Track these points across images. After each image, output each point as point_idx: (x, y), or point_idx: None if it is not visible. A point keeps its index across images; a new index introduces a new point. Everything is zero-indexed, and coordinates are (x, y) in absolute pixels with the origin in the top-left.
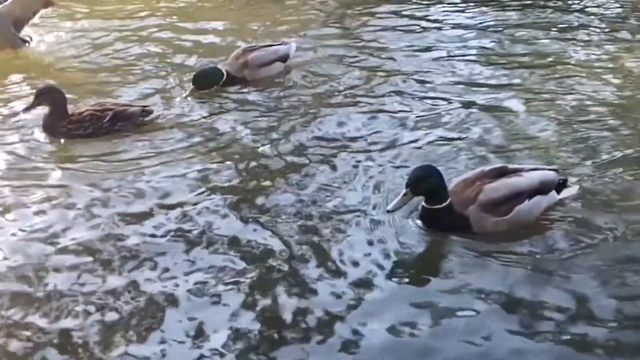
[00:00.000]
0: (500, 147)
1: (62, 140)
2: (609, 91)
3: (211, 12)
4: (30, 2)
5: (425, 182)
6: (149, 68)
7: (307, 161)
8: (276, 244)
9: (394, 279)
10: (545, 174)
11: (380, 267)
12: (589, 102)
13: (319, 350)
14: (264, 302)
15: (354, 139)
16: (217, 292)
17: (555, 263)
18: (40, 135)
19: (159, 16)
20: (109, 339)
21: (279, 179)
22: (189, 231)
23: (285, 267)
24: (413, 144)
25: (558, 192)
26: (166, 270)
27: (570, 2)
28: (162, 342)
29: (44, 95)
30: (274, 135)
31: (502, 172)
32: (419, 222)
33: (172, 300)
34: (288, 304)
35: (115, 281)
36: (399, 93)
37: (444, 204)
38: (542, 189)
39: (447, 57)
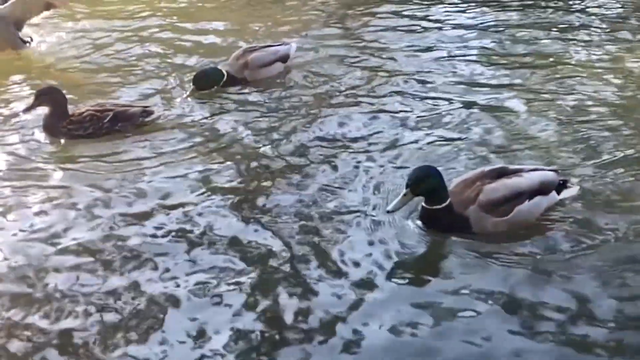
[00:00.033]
0: (501, 147)
1: (63, 141)
2: (609, 91)
3: (212, 12)
4: (31, 5)
5: (425, 183)
6: (149, 68)
7: (308, 161)
8: (277, 245)
9: (394, 280)
10: (545, 175)
11: (381, 267)
12: (589, 103)
13: (321, 350)
14: (265, 302)
15: (354, 139)
16: (218, 292)
17: (556, 263)
18: (40, 135)
19: (160, 16)
20: (110, 340)
21: (279, 180)
22: (190, 232)
23: (286, 268)
24: (414, 144)
25: (558, 193)
26: (167, 270)
27: (571, 2)
28: (163, 342)
29: (44, 96)
30: (275, 136)
31: (502, 173)
32: (419, 222)
33: (173, 301)
34: (289, 304)
35: (116, 282)
36: (400, 93)
37: (444, 205)
38: (542, 189)
39: (448, 57)
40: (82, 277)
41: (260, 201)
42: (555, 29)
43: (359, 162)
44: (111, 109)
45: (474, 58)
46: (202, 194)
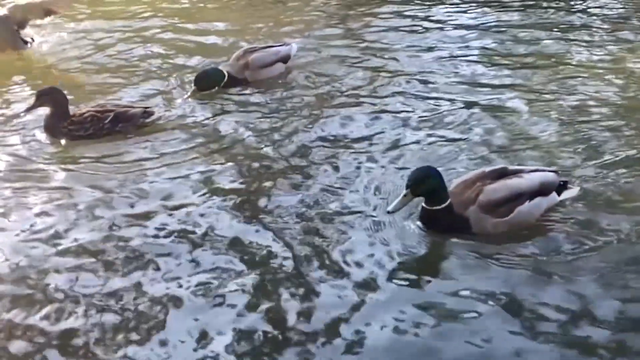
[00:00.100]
0: (503, 147)
1: (63, 141)
2: (611, 92)
3: (213, 13)
4: (30, 10)
5: (425, 183)
6: (150, 69)
7: (310, 162)
8: (278, 245)
9: (395, 281)
10: (545, 176)
11: (382, 268)
12: (591, 103)
13: (322, 351)
14: (267, 303)
15: (356, 140)
16: (220, 293)
17: (557, 264)
18: (41, 136)
19: (161, 17)
20: (111, 341)
21: (281, 180)
22: (192, 232)
23: (288, 268)
24: (415, 145)
25: (559, 194)
26: (169, 271)
27: (572, 2)
28: (165, 343)
29: (45, 96)
30: (276, 137)
31: (502, 173)
32: (419, 223)
33: (175, 302)
34: (291, 305)
35: (117, 282)
36: (401, 93)
37: (444, 205)
38: (542, 190)
39: (449, 57)
40: (83, 277)
41: (262, 202)
42: (556, 29)
43: (360, 162)
44: (112, 109)
45: (475, 58)
46: (204, 194)
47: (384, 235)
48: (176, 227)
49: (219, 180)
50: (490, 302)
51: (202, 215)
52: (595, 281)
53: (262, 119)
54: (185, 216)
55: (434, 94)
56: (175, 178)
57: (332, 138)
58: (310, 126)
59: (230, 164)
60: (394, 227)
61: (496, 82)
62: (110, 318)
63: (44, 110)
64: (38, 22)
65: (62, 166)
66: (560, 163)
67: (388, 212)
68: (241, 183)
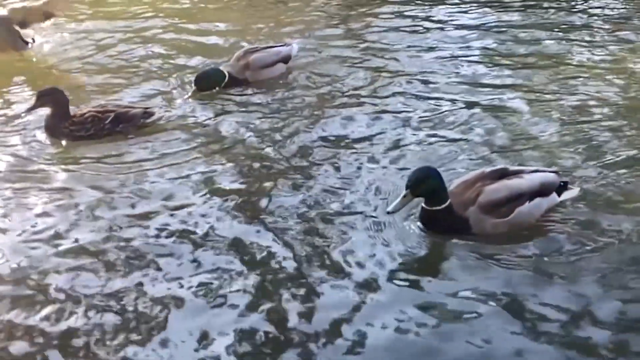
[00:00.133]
0: (504, 147)
1: (64, 142)
2: (612, 92)
3: (214, 13)
4: (30, 13)
5: (425, 184)
6: (151, 69)
7: (311, 163)
8: (280, 246)
9: (396, 281)
10: (545, 176)
11: (383, 269)
12: (592, 103)
13: (324, 351)
14: (268, 303)
15: (357, 140)
16: (221, 293)
17: (558, 265)
18: (42, 136)
19: (162, 17)
20: (113, 341)
21: (282, 181)
22: (193, 233)
23: (289, 269)
24: (416, 145)
25: (559, 194)
26: (170, 271)
27: (573, 2)
28: (167, 344)
29: (45, 97)
30: (277, 137)
31: (502, 174)
32: (419, 223)
33: (177, 302)
34: (292, 305)
35: (118, 283)
36: (402, 94)
37: (444, 205)
38: (542, 191)
39: (450, 57)
40: (84, 278)
41: (263, 202)
42: (557, 30)
43: (361, 163)
44: (113, 110)
45: (476, 58)
46: (205, 195)
47: (384, 236)
48: (177, 227)
49: (219, 180)
50: (491, 303)
51: (203, 215)
52: (596, 282)
53: (262, 120)
54: (186, 217)
55: (434, 94)
56: (176, 178)
57: (333, 138)
58: (311, 126)
59: (231, 164)
60: (395, 228)
61: (497, 82)
62: (111, 318)
63: (45, 111)
64: (41, 25)
65: (63, 166)
66: (561, 163)
67: (388, 213)
68: (242, 183)
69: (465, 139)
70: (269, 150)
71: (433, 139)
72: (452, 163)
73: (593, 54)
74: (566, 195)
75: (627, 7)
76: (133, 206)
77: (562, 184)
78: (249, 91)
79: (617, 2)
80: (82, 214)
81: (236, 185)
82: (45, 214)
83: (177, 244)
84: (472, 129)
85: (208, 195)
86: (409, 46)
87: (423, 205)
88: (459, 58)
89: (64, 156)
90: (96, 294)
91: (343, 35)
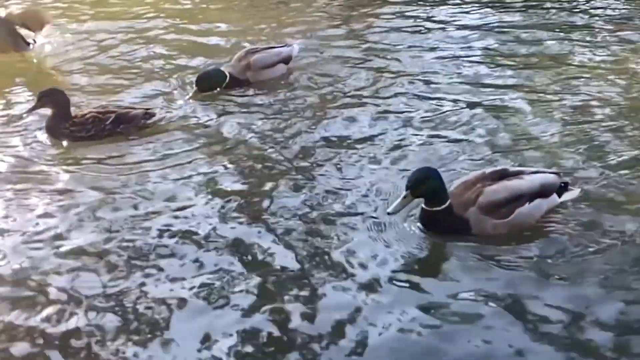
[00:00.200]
0: (506, 148)
1: (65, 143)
2: (614, 92)
3: (216, 13)
4: (28, 20)
5: (425, 184)
6: (153, 70)
7: (312, 163)
8: (281, 247)
9: (397, 282)
10: (546, 177)
11: (385, 270)
12: (594, 103)
13: (326, 352)
14: (270, 304)
15: (359, 141)
16: (223, 294)
17: (559, 266)
18: (43, 137)
19: (164, 18)
20: (115, 342)
21: (284, 182)
22: (195, 234)
23: (291, 270)
24: (418, 146)
25: (559, 195)
26: (172, 272)
27: (574, 2)
28: (169, 345)
29: (46, 97)
30: (279, 138)
31: (503, 175)
32: (419, 224)
33: (179, 303)
34: (294, 306)
35: (120, 284)
36: (404, 94)
37: (444, 206)
38: (543, 192)
39: (452, 58)
40: (85, 279)
41: (265, 203)
42: (559, 30)
43: (363, 163)
44: (113, 110)
45: (478, 59)
46: (207, 196)
47: (385, 237)
48: (179, 228)
49: (221, 181)
50: (492, 304)
51: (205, 216)
52: (597, 283)
53: (264, 120)
54: (188, 217)
55: (436, 95)
56: (177, 179)
57: (334, 139)
58: (313, 127)
59: (232, 165)
60: (396, 228)
61: (499, 82)
62: (113, 319)
63: (46, 111)
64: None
65: (64, 167)
66: (563, 164)
67: (388, 214)
68: (244, 184)
69: (466, 140)
70: (270, 151)
71: (435, 140)
72: (453, 163)
73: (595, 54)
74: (567, 196)
75: (629, 7)
76: (135, 207)
77: (562, 184)
78: (250, 92)
79: (618, 2)
80: (83, 215)
81: (238, 186)
82: (46, 215)
83: (179, 245)
84: (474, 129)
85: (210, 196)
86: (410, 47)
87: (423, 206)
88: (461, 58)
89: (64, 157)
90: (97, 295)
91: (345, 36)
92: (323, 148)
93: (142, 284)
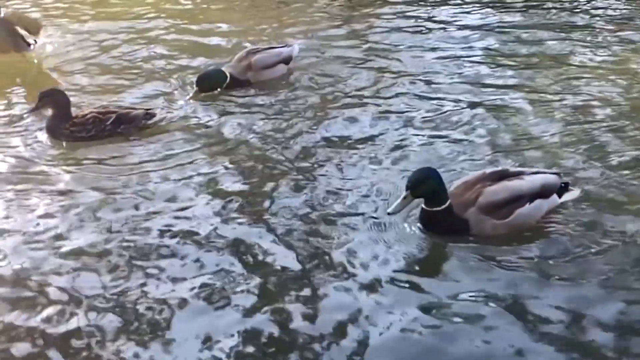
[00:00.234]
0: (507, 148)
1: (64, 143)
2: (615, 92)
3: (216, 14)
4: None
5: (425, 184)
6: (153, 70)
7: (313, 164)
8: (283, 247)
9: (398, 282)
10: (546, 178)
11: (385, 270)
12: (595, 103)
13: (328, 352)
14: (271, 305)
15: (360, 141)
16: (224, 294)
17: (560, 266)
18: (43, 137)
19: (165, 18)
20: (115, 343)
21: (285, 182)
22: (196, 234)
23: (292, 270)
24: (419, 146)
25: (560, 196)
26: (173, 273)
27: (575, 3)
28: (170, 345)
29: (47, 98)
30: (280, 138)
31: (503, 175)
32: (419, 224)
33: (180, 303)
34: (295, 306)
35: (121, 284)
36: (405, 94)
37: (444, 206)
38: (543, 192)
39: (453, 58)
40: (86, 279)
41: (266, 203)
42: (560, 30)
43: (364, 164)
44: (114, 111)
45: (479, 59)
46: (207, 196)
47: (386, 237)
48: (180, 228)
49: (222, 181)
50: (493, 304)
51: (205, 216)
52: (598, 283)
53: (265, 121)
54: (189, 218)
55: (437, 95)
56: (178, 180)
57: (335, 139)
58: (314, 127)
59: (233, 165)
60: (397, 229)
61: (499, 82)
62: (113, 320)
63: (47, 112)
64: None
65: (65, 168)
66: (564, 164)
67: (388, 214)
68: (245, 184)
69: (467, 140)
70: (271, 151)
71: (435, 140)
72: (454, 164)
73: (596, 54)
74: (567, 196)
75: (630, 7)
76: (135, 207)
77: (563, 185)
78: (251, 92)
79: (619, 2)
80: (84, 215)
81: (239, 187)
82: (46, 215)
83: (180, 245)
84: (475, 129)
85: (211, 197)
86: (411, 47)
87: (423, 206)
88: (462, 58)
89: (65, 157)
90: (98, 295)
91: (346, 36)
92: (324, 148)
93: (143, 284)
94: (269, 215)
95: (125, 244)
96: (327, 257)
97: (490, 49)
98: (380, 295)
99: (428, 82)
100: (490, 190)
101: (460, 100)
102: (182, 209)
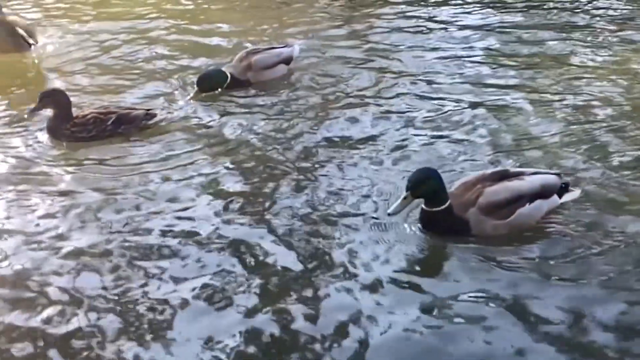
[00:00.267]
0: (507, 148)
1: (65, 143)
2: (616, 92)
3: (217, 14)
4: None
5: (425, 185)
6: (154, 70)
7: (314, 164)
8: (284, 247)
9: (399, 283)
10: (546, 178)
11: (386, 270)
12: (596, 103)
13: (329, 353)
14: (273, 305)
15: (361, 141)
16: (226, 295)
17: (561, 267)
18: (44, 137)
19: (165, 18)
20: (116, 343)
21: (286, 182)
22: (197, 234)
23: (293, 270)
24: (420, 146)
25: (560, 196)
26: (174, 273)
27: (576, 3)
28: (171, 346)
29: (47, 98)
30: (281, 138)
31: (503, 176)
32: (419, 225)
33: (181, 304)
34: (296, 307)
35: (122, 284)
36: (406, 94)
37: (444, 207)
38: (543, 192)
39: (453, 58)
40: (87, 280)
41: (267, 204)
42: (560, 30)
43: (365, 164)
44: (114, 111)
45: (479, 59)
46: (208, 196)
47: (386, 237)
48: (181, 229)
49: (223, 182)
50: (493, 304)
51: (206, 217)
52: (599, 284)
53: (266, 121)
54: (190, 218)
55: (438, 95)
56: (179, 180)
57: (336, 139)
58: (315, 128)
59: (234, 165)
60: (398, 229)
61: (500, 82)
62: (114, 320)
63: (48, 112)
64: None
65: (65, 168)
66: (565, 164)
67: (389, 214)
68: (245, 185)
69: (468, 140)
70: (272, 151)
71: (436, 140)
72: (455, 164)
73: (596, 54)
74: (567, 197)
75: (631, 7)
76: (136, 208)
77: (563, 185)
78: (252, 92)
79: (620, 2)
80: (85, 216)
81: (240, 187)
82: (47, 216)
83: (181, 246)
84: (476, 129)
85: (211, 197)
86: (412, 47)
87: (423, 206)
88: (463, 59)
89: (66, 158)
90: (99, 296)
91: (346, 36)
92: (325, 148)
93: (144, 285)
94: (270, 216)
95: (126, 244)
96: (328, 258)
97: (491, 49)
98: (381, 295)
99: (429, 82)
100: (490, 190)
101: (461, 101)
102: (183, 210)
